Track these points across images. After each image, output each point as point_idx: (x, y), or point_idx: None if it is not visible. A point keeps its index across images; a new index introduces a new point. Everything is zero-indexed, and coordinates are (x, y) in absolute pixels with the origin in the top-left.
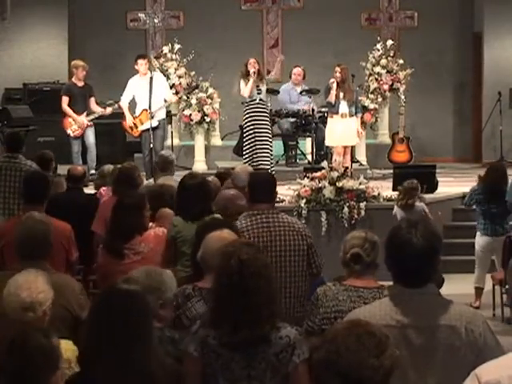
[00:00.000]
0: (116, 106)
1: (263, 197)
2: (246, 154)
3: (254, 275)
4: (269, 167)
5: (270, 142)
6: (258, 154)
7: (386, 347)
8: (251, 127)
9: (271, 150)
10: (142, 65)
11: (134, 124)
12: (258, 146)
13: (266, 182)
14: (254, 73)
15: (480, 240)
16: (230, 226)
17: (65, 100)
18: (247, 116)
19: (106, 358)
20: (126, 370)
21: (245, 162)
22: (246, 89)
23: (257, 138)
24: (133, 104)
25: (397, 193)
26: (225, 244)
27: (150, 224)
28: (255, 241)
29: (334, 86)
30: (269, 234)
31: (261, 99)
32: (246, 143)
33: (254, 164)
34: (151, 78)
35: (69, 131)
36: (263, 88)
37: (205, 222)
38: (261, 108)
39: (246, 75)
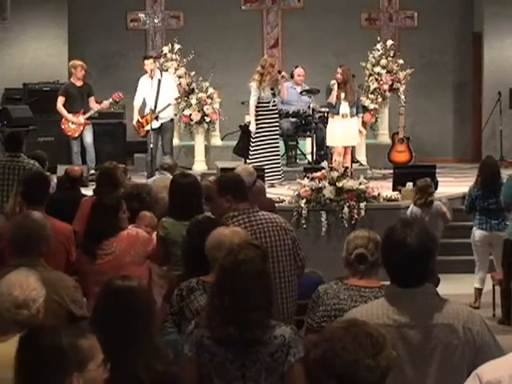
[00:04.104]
0: (111, 100)
1: (243, 196)
2: (261, 155)
3: (244, 277)
4: (280, 168)
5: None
6: (272, 156)
7: (383, 348)
8: (266, 129)
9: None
10: (146, 65)
11: (141, 123)
12: (274, 150)
13: (241, 182)
14: (283, 76)
15: (476, 234)
16: (221, 225)
17: (60, 100)
18: (262, 118)
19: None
20: (118, 370)
21: (259, 164)
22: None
23: (272, 142)
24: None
25: (397, 193)
26: (233, 242)
27: (130, 226)
28: None
29: (335, 87)
30: (253, 233)
31: (274, 101)
32: (261, 145)
33: (268, 165)
34: (159, 80)
35: (68, 133)
36: (276, 90)
37: (197, 220)
38: (275, 111)
39: (263, 78)
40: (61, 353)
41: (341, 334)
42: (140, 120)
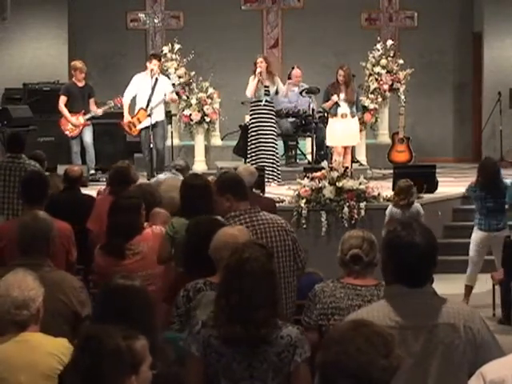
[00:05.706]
0: (112, 103)
1: (243, 194)
2: (250, 155)
3: (250, 275)
4: (273, 168)
5: (276, 144)
6: (262, 156)
7: (394, 347)
8: (255, 129)
9: (277, 153)
10: (155, 65)
11: (132, 123)
12: (262, 148)
13: (241, 181)
14: (260, 73)
15: (476, 236)
16: (220, 224)
17: (62, 99)
18: (253, 117)
19: None
20: None
21: (249, 162)
22: (247, 89)
23: (261, 141)
24: (132, 102)
25: None
26: (238, 241)
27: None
28: None
29: (335, 98)
30: (254, 233)
31: (267, 100)
32: (250, 144)
33: (259, 165)
34: (157, 80)
35: (66, 131)
36: (272, 89)
37: (196, 220)
38: (266, 109)
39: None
40: (120, 356)
41: (352, 336)
42: (130, 120)
